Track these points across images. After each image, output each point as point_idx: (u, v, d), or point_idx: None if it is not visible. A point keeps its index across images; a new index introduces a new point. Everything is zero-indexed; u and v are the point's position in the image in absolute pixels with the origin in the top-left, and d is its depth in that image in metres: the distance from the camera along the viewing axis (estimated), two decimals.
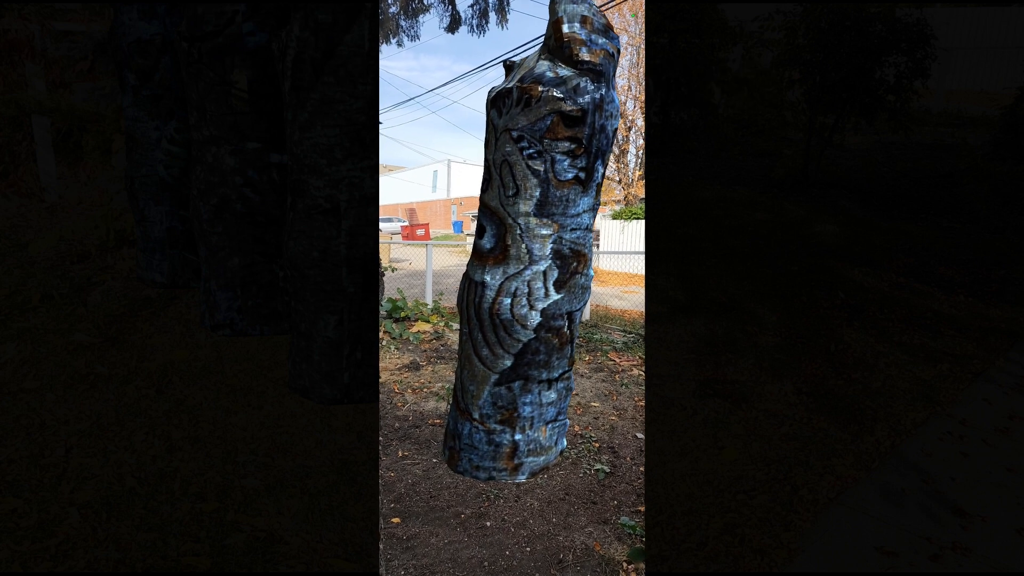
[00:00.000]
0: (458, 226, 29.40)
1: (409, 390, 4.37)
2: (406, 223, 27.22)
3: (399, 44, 11.42)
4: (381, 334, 5.72)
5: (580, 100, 2.45)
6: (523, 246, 2.62)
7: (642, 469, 3.20)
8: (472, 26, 9.28)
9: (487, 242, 2.69)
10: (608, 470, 3.18)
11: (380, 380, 4.47)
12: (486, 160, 2.69)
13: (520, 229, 2.60)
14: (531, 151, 2.49)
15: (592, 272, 2.84)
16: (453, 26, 9.24)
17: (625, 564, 2.45)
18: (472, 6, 9.17)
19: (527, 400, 2.81)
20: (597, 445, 3.52)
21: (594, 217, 2.77)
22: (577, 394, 4.36)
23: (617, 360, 5.41)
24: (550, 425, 2.97)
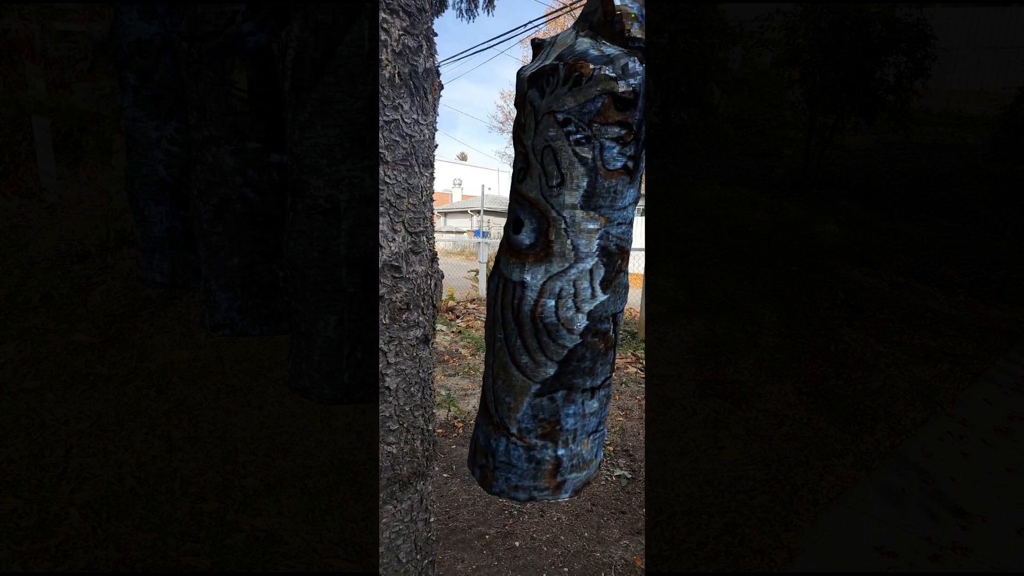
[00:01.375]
0: None
1: None
2: None
3: None
4: None
5: (632, 81, 2.23)
6: (568, 242, 2.39)
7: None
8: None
9: (526, 237, 2.46)
10: (629, 476, 3.10)
11: None
12: (522, 146, 2.48)
13: (565, 223, 2.37)
14: (579, 136, 2.28)
15: (628, 269, 2.70)
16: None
17: None
18: None
19: (570, 411, 2.56)
20: (611, 448, 3.45)
21: (635, 210, 2.63)
22: None
23: None
24: (592, 436, 2.71)
